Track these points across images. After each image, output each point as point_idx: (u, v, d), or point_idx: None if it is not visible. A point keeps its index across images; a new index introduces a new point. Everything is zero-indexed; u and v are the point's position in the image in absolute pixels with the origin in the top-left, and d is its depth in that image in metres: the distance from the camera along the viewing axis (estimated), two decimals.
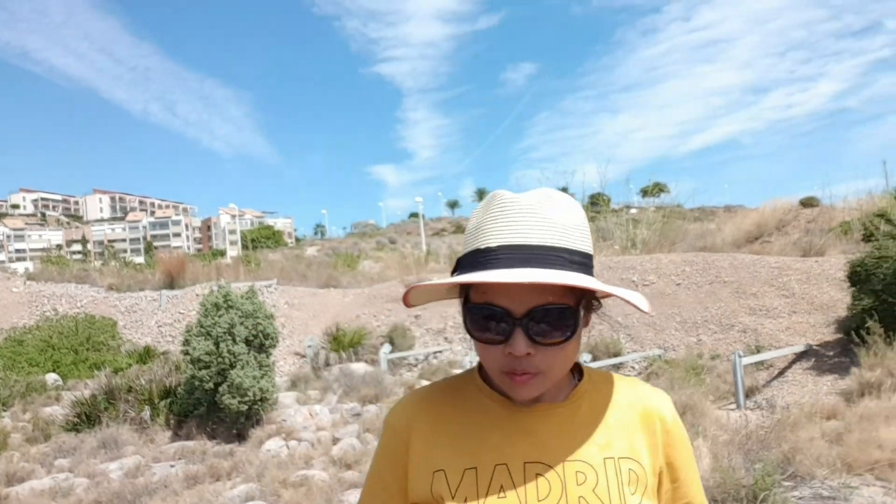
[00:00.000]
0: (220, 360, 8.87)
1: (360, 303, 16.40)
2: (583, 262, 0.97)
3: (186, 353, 9.18)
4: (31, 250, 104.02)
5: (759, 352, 10.45)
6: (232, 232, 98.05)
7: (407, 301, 1.04)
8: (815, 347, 10.36)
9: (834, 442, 6.38)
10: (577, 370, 1.14)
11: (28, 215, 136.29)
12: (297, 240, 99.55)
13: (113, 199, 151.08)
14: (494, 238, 0.95)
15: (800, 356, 10.34)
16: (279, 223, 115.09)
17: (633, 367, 11.61)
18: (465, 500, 0.99)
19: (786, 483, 5.49)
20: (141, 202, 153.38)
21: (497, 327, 0.95)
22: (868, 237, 13.68)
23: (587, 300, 1.01)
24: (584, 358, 10.04)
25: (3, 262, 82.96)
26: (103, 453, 8.79)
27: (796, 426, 6.84)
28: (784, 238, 20.47)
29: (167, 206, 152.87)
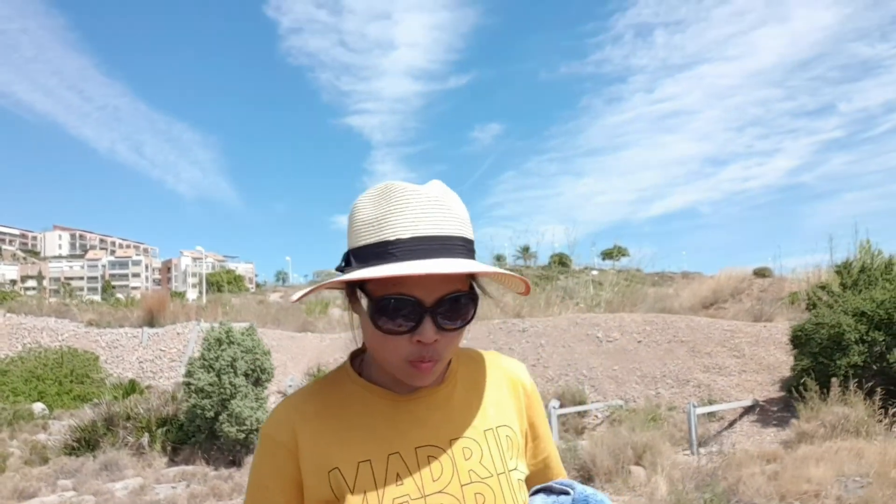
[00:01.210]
0: (221, 390, 9.58)
1: (337, 347, 17.11)
2: (473, 251, 1.03)
3: (188, 383, 9.86)
4: None
5: (711, 404, 11.51)
6: (193, 275, 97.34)
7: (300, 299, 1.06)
8: (761, 403, 11.48)
9: (771, 478, 7.38)
10: None
11: None
12: (258, 285, 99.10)
13: (73, 235, 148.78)
14: (404, 229, 0.96)
15: (748, 410, 11.44)
16: (240, 268, 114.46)
17: (596, 416, 12.56)
18: (365, 493, 1.00)
19: None
20: (102, 240, 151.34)
21: (407, 317, 0.97)
22: (812, 306, 15.03)
23: (479, 286, 1.08)
24: (553, 404, 10.95)
25: None
26: (105, 475, 9.34)
27: (741, 465, 7.83)
28: (738, 305, 21.87)
29: (128, 246, 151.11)
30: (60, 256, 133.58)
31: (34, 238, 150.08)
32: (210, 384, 9.59)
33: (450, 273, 0.94)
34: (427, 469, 1.02)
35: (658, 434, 9.79)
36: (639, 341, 14.68)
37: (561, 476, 1.23)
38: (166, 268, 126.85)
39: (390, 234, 0.96)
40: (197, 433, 9.78)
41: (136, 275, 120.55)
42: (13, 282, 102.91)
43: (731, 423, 11.23)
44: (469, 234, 1.02)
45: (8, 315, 19.34)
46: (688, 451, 10.23)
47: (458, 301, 0.99)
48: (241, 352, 9.91)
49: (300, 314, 23.09)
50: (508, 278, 1.05)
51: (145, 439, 10.19)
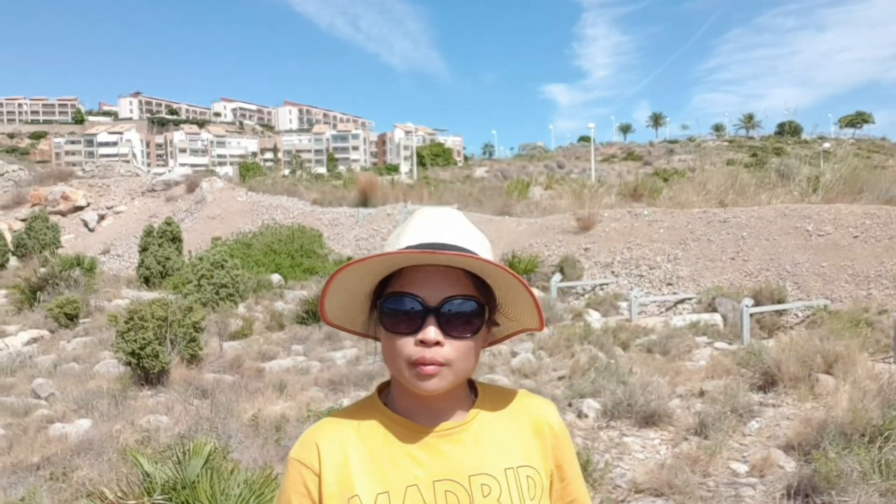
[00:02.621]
0: None
1: (532, 232, 17.69)
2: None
3: None
4: (231, 156, 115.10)
5: None
6: (405, 148, 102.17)
7: (324, 313, 1.14)
8: None
9: None
10: (472, 388, 1.19)
11: (228, 123, 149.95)
12: (466, 158, 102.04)
13: (301, 110, 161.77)
14: (414, 237, 1.06)
15: None
16: (449, 141, 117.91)
17: (796, 314, 12.07)
18: None
19: None
20: (325, 115, 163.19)
21: (411, 316, 1.03)
22: None
23: (490, 307, 1.10)
24: (746, 302, 10.71)
25: (207, 165, 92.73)
26: (328, 344, 10.96)
27: None
28: None
29: (347, 120, 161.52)
30: (291, 130, 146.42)
31: (269, 113, 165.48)
32: None
33: (452, 276, 1.03)
34: (443, 503, 1.06)
35: (857, 342, 9.30)
36: (854, 236, 13.54)
37: None
38: (381, 141, 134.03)
39: (403, 242, 1.06)
40: None
41: (355, 148, 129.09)
42: (254, 154, 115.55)
43: None
44: (482, 253, 1.09)
45: (249, 193, 22.24)
46: (891, 359, 9.64)
47: (463, 306, 1.04)
48: None
49: (500, 196, 23.88)
50: (521, 317, 1.15)
51: None
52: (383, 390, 1.18)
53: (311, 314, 11.94)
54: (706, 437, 6.35)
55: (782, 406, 7.39)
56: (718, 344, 10.36)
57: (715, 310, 11.79)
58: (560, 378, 8.84)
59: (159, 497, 3.39)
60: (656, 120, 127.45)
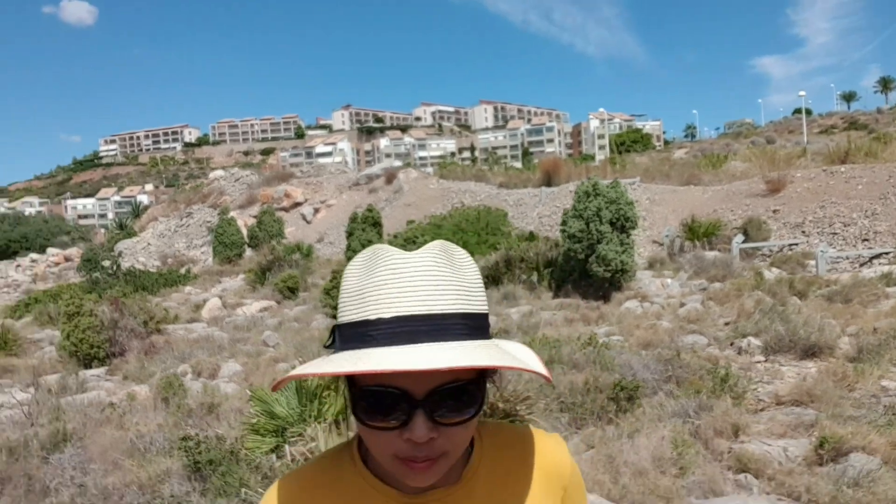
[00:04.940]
0: (589, 236, 11.14)
1: (718, 199, 17.29)
2: (482, 326, 0.85)
3: (563, 230, 11.64)
4: (431, 157, 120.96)
5: None
6: (601, 136, 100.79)
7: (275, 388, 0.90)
8: None
9: None
10: None
11: (427, 126, 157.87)
12: (666, 142, 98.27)
13: (496, 108, 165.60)
14: (385, 307, 0.80)
15: None
16: (647, 126, 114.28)
17: None
18: None
19: None
20: (519, 110, 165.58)
21: (393, 411, 0.81)
22: None
23: (488, 372, 0.88)
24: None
25: (409, 165, 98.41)
26: (505, 303, 11.87)
27: None
28: None
29: (541, 114, 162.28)
30: (486, 128, 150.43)
31: (465, 113, 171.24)
32: (580, 231, 11.22)
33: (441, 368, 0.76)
34: None
35: None
36: None
37: None
38: (576, 131, 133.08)
39: (370, 313, 0.81)
40: (572, 272, 11.62)
41: (549, 140, 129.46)
42: (452, 154, 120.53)
43: None
44: (473, 308, 0.84)
45: (440, 181, 23.90)
46: None
47: (459, 391, 0.83)
48: (605, 202, 11.24)
49: (688, 168, 23.33)
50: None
51: (534, 277, 12.45)
52: (362, 442, 0.95)
53: (491, 279, 12.94)
54: (862, 362, 6.33)
55: None
56: None
57: None
58: (726, 324, 8.97)
59: None
60: (885, 84, 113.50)
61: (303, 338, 11.06)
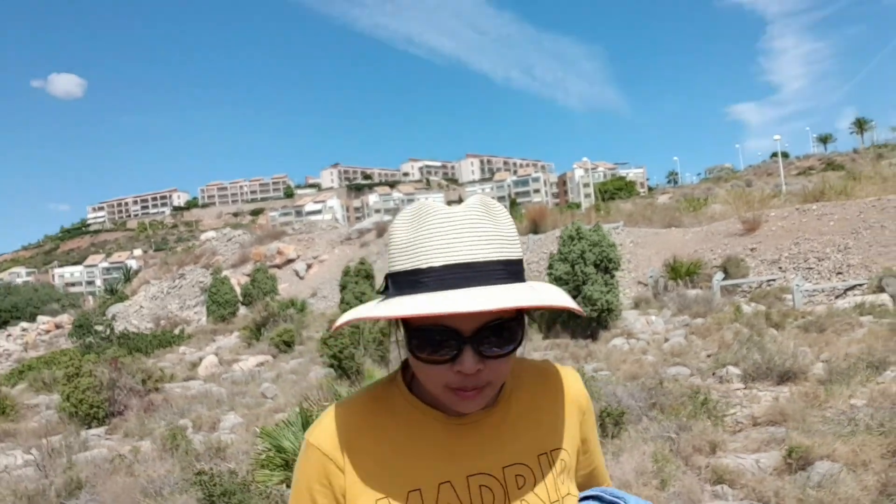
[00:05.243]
0: (575, 278, 11.59)
1: (698, 239, 17.86)
2: (519, 271, 0.95)
3: (550, 273, 12.08)
4: None
5: None
6: (586, 185, 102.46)
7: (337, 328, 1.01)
8: None
9: None
10: None
11: (415, 181, 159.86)
12: (650, 189, 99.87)
13: (482, 161, 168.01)
14: (435, 257, 0.90)
15: None
16: (631, 174, 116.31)
17: None
18: None
19: None
20: (505, 162, 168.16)
21: (444, 347, 0.92)
22: None
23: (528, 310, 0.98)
24: None
25: None
26: None
27: None
28: None
29: (527, 165, 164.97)
30: (473, 181, 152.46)
31: (452, 167, 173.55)
32: (566, 273, 11.67)
33: (489, 309, 0.85)
34: (479, 498, 0.99)
35: None
36: None
37: (605, 483, 1.23)
38: (562, 181, 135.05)
39: (422, 262, 0.91)
40: (561, 313, 12.01)
41: (536, 190, 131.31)
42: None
43: None
44: (513, 255, 0.94)
45: None
46: None
47: (501, 328, 0.92)
48: (589, 245, 11.73)
49: (669, 211, 24.00)
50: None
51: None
52: (406, 370, 1.08)
53: None
54: (833, 384, 6.72)
55: None
56: (885, 321, 10.19)
57: (883, 290, 11.47)
58: (708, 356, 9.36)
59: None
60: (861, 125, 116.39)
61: (301, 388, 11.31)
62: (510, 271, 0.93)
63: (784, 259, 14.66)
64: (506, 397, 1.06)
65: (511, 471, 1.02)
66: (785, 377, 7.47)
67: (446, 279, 0.89)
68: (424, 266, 0.90)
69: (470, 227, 0.92)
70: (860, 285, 12.55)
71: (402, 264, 0.93)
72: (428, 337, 0.92)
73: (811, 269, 13.84)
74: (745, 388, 7.60)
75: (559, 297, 0.95)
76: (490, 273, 0.90)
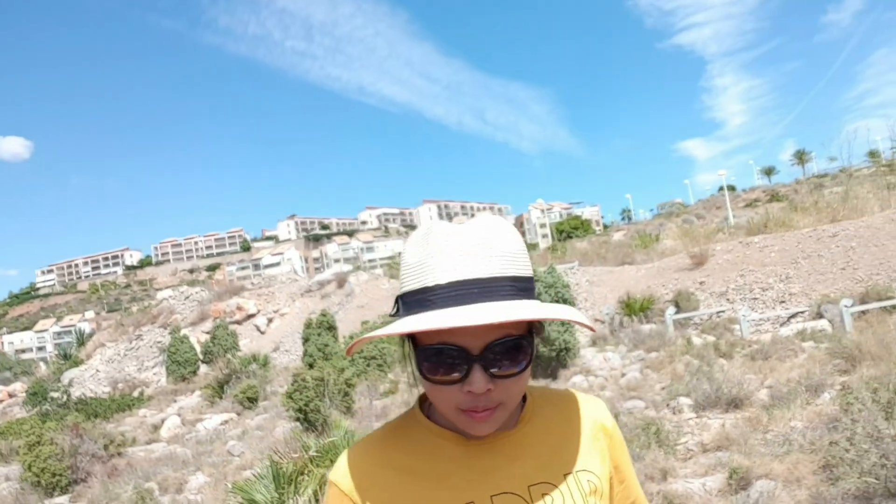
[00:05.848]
0: None
1: (650, 275, 18.49)
2: (528, 288, 0.95)
3: None
4: (380, 258, 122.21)
5: None
6: (542, 225, 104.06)
7: (350, 352, 1.03)
8: None
9: None
10: None
11: (374, 229, 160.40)
12: (605, 226, 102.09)
13: (439, 206, 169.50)
14: (441, 274, 0.91)
15: None
16: (586, 212, 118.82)
17: None
18: None
19: None
20: (462, 206, 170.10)
21: (453, 366, 0.91)
22: None
23: (537, 324, 1.00)
24: (846, 302, 11.06)
25: (359, 268, 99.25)
26: None
27: None
28: None
29: (484, 208, 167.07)
30: None
31: (410, 214, 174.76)
32: None
33: (492, 322, 0.85)
34: None
35: None
36: None
37: None
38: (519, 222, 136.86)
39: (429, 280, 0.91)
40: None
41: None
42: (399, 254, 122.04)
43: None
44: (521, 272, 0.94)
45: (391, 280, 24.63)
46: None
47: (508, 346, 0.91)
48: (544, 287, 12.15)
49: (622, 249, 24.73)
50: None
51: None
52: (425, 401, 1.08)
53: None
54: (775, 408, 7.15)
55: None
56: (823, 346, 10.77)
57: (822, 316, 12.11)
58: (662, 388, 9.76)
59: None
60: (801, 157, 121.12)
61: (268, 443, 11.33)
62: (519, 288, 0.93)
63: (731, 291, 15.31)
64: (526, 419, 1.07)
65: (538, 490, 1.00)
66: (732, 404, 7.88)
67: (453, 296, 0.90)
68: (431, 284, 0.91)
69: (477, 244, 0.93)
70: (801, 312, 13.21)
71: (411, 284, 0.94)
72: (437, 357, 0.92)
73: (756, 299, 14.50)
74: (696, 417, 7.99)
75: (567, 312, 0.96)
76: (498, 289, 0.91)
